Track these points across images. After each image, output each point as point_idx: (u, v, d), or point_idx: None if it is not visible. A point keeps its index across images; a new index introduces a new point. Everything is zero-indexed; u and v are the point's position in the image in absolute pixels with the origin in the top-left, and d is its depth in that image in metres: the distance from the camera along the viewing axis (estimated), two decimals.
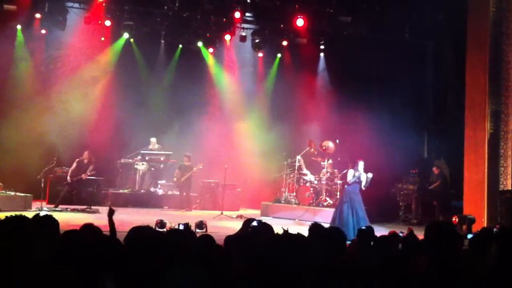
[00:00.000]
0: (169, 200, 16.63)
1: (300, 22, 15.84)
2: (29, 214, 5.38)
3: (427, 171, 16.67)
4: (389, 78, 16.69)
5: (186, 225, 10.10)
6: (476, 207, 13.04)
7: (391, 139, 15.50)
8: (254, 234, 5.20)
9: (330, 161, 15.82)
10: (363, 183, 12.20)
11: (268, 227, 5.36)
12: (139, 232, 4.02)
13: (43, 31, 16.18)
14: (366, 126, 15.69)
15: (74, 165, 15.17)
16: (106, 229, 5.55)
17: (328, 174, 15.77)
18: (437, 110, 17.82)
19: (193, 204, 16.49)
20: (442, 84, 17.51)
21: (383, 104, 16.36)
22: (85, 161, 15.19)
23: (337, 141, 15.67)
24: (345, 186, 12.72)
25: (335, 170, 15.63)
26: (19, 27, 16.07)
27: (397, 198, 16.39)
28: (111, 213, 6.03)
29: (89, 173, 15.17)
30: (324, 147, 16.00)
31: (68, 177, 15.04)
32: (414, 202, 16.09)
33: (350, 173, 12.26)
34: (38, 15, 15.67)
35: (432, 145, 17.94)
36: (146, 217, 12.85)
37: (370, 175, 12.12)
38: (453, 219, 12.33)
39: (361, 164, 12.12)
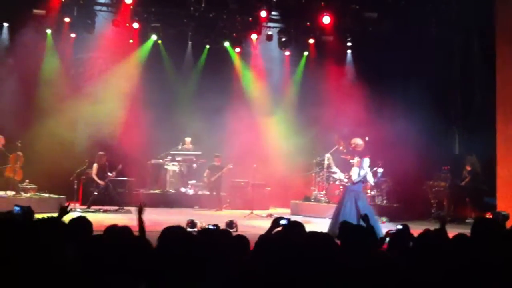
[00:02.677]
0: (200, 200, 16.74)
1: (326, 19, 15.77)
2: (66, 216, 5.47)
3: (458, 167, 16.42)
4: (417, 74, 16.46)
5: (216, 226, 10.12)
6: (509, 203, 12.77)
7: (421, 136, 15.30)
8: (284, 233, 5.17)
9: (359, 158, 15.63)
10: (371, 180, 11.79)
11: (299, 225, 5.34)
12: (172, 232, 4.04)
13: (72, 35, 16.43)
14: (395, 123, 15.50)
15: (96, 168, 15.14)
16: (136, 229, 5.59)
17: None
18: (467, 105, 17.54)
19: (223, 203, 16.56)
20: (471, 79, 17.20)
21: (412, 101, 16.12)
22: (102, 161, 15.24)
23: (367, 138, 15.51)
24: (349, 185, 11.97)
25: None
26: (48, 31, 16.33)
27: (429, 195, 16.18)
28: (140, 210, 6.02)
29: (114, 173, 15.24)
30: (353, 145, 15.84)
31: (100, 181, 15.04)
32: (446, 199, 15.88)
33: (355, 172, 11.62)
34: (67, 19, 15.88)
35: (463, 141, 17.65)
36: (176, 217, 12.93)
37: (380, 170, 11.60)
38: (487, 216, 12.12)
39: (366, 161, 11.58)
